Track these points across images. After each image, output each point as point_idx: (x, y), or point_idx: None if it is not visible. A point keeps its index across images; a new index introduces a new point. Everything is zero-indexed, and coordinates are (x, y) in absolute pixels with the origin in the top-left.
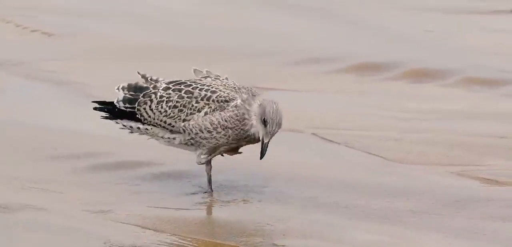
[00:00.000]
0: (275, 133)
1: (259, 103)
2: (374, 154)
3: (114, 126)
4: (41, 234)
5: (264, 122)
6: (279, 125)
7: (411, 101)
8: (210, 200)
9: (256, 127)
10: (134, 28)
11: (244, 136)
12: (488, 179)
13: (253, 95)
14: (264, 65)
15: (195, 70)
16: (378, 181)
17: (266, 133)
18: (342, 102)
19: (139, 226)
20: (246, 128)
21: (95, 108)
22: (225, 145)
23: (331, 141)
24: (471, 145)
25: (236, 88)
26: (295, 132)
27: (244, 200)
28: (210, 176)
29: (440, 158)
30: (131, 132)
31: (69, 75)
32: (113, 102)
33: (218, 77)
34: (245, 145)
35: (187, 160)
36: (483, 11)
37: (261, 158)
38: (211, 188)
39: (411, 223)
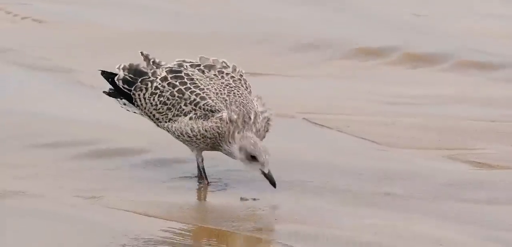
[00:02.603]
0: (267, 159)
1: (238, 147)
2: (366, 139)
3: (106, 113)
4: (34, 220)
5: (254, 158)
6: (265, 151)
7: (402, 86)
8: (201, 185)
9: (248, 165)
10: (127, 15)
11: (219, 148)
12: (479, 163)
13: (244, 122)
14: (257, 51)
15: (201, 58)
16: (370, 166)
17: (262, 165)
18: (333, 87)
19: (131, 211)
20: (222, 145)
21: (102, 73)
22: (206, 150)
23: (322, 126)
24: (463, 129)
25: (227, 102)
26: (287, 117)
27: (235, 186)
28: (203, 167)
29: (432, 142)
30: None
31: (61, 62)
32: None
33: (223, 70)
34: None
35: (179, 146)
36: None
37: (275, 187)
38: (207, 178)
39: (403, 207)
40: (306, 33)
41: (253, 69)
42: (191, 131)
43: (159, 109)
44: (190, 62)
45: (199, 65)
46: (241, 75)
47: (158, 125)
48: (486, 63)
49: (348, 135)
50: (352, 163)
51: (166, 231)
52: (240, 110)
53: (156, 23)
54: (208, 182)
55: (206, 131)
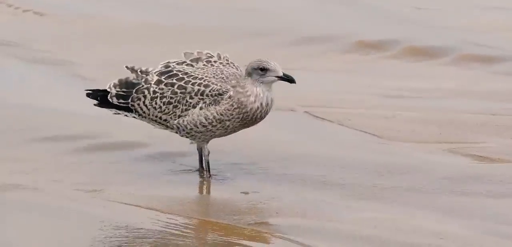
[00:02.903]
0: (276, 63)
1: (245, 75)
2: (366, 132)
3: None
4: (34, 214)
5: (265, 69)
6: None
7: (403, 79)
8: (202, 179)
9: (263, 82)
10: (128, 8)
11: (249, 118)
12: (480, 156)
13: (240, 76)
14: (258, 45)
15: (185, 54)
16: (371, 159)
17: (275, 70)
18: (334, 81)
19: (132, 205)
20: (249, 108)
21: (88, 95)
22: (224, 135)
23: (323, 119)
24: (463, 122)
25: (224, 77)
26: (288, 110)
27: (236, 179)
28: (208, 160)
29: (433, 136)
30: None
31: (61, 56)
32: (105, 90)
33: (210, 59)
34: (253, 126)
35: (179, 140)
36: None
37: (295, 82)
38: (209, 172)
39: (403, 200)
40: (306, 27)
41: None
42: (206, 120)
43: (164, 110)
44: (175, 61)
45: (184, 62)
46: (227, 60)
47: (166, 126)
48: (486, 57)
49: (348, 129)
50: (353, 156)
51: (167, 224)
52: (236, 77)
53: (156, 16)
54: (210, 175)
55: (221, 115)
